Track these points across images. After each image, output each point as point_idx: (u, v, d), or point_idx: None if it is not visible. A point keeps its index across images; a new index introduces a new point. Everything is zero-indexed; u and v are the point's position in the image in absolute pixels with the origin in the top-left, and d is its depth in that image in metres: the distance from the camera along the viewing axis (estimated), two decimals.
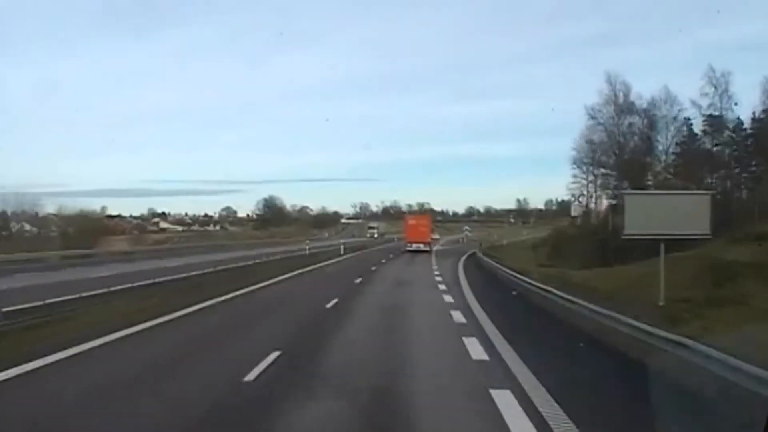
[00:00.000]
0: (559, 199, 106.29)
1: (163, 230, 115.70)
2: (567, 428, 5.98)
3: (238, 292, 18.74)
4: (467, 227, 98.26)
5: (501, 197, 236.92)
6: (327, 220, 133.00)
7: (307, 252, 45.16)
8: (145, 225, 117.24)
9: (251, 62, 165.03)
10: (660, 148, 52.87)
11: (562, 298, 14.30)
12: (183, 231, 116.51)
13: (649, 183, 52.82)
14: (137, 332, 11.57)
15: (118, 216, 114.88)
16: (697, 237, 17.86)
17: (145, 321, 12.54)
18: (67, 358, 9.22)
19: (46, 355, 9.07)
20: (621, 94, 52.48)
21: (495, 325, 12.72)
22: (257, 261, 33.76)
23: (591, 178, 61.36)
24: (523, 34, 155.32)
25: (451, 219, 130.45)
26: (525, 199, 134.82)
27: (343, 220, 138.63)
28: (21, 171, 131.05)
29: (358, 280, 24.45)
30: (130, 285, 18.54)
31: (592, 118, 54.41)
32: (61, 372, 8.49)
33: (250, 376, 8.00)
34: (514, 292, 20.35)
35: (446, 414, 6.69)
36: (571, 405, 6.63)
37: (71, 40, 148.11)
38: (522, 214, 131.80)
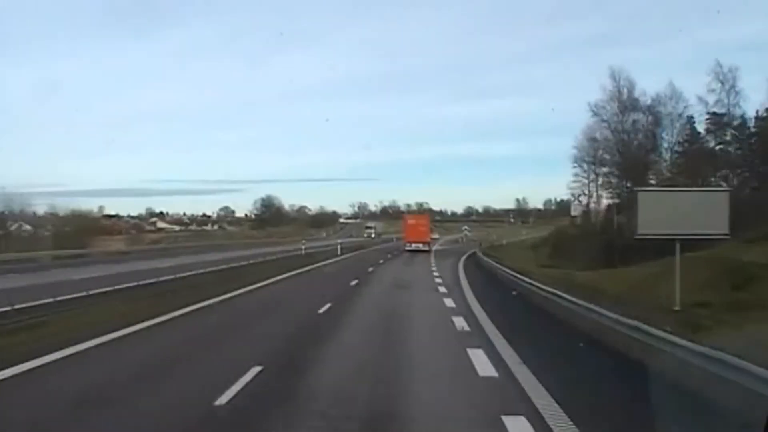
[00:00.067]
0: (558, 199, 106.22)
1: (161, 230, 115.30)
2: None
3: (224, 296, 17.53)
4: (466, 227, 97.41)
5: (500, 197, 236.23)
6: (325, 220, 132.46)
7: (303, 252, 44.17)
8: (143, 225, 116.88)
9: (251, 62, 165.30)
10: (665, 145, 51.82)
11: (574, 303, 13.17)
12: (180, 231, 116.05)
13: (652, 182, 51.89)
14: (103, 343, 10.37)
15: (116, 216, 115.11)
16: (715, 237, 16.77)
17: (116, 330, 11.37)
18: (20, 374, 8.11)
19: None
20: (625, 90, 51.44)
21: (501, 333, 11.60)
22: (251, 262, 32.65)
23: (592, 177, 60.41)
24: (523, 34, 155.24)
25: (449, 219, 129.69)
26: (524, 199, 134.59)
27: (341, 220, 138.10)
28: (21, 171, 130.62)
29: (354, 282, 23.34)
30: (111, 288, 17.48)
31: (596, 114, 53.36)
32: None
33: (223, 399, 6.89)
34: (514, 292, 19.89)
35: None
36: None
37: (71, 40, 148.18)
38: (521, 213, 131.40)
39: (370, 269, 31.59)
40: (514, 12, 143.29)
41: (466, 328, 12.46)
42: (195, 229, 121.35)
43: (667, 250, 31.26)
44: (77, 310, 13.75)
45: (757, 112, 48.27)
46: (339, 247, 49.86)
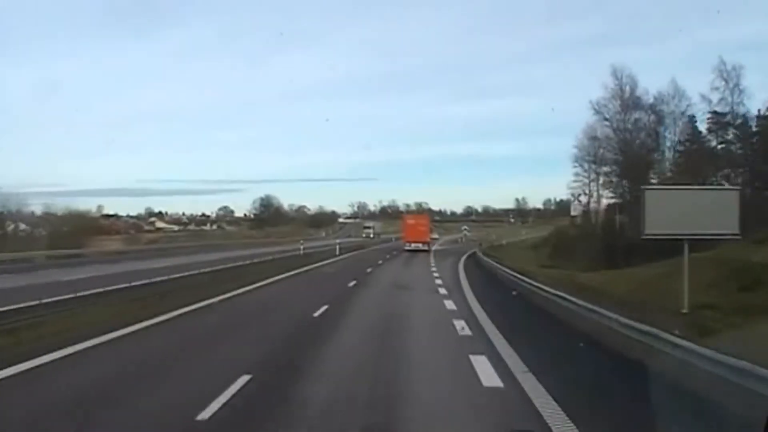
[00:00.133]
0: (558, 199, 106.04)
1: (159, 230, 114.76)
2: None
3: (215, 299, 16.88)
4: (466, 227, 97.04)
5: (499, 197, 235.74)
6: (324, 220, 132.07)
7: (301, 252, 43.62)
8: (142, 225, 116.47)
9: (251, 62, 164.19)
10: (668, 144, 51.27)
11: (579, 306, 12.63)
12: (179, 231, 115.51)
13: (653, 181, 51.37)
14: (77, 353, 9.60)
15: (115, 215, 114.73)
16: (725, 237, 16.24)
17: (96, 336, 10.65)
18: None
19: None
20: (627, 89, 50.84)
21: (505, 337, 11.05)
22: (247, 262, 32.03)
23: (593, 176, 59.90)
24: (523, 34, 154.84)
25: (449, 219, 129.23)
26: (524, 199, 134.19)
27: (340, 220, 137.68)
28: (20, 171, 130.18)
29: (353, 283, 22.79)
30: (100, 289, 16.85)
31: (597, 113, 52.77)
32: None
33: (206, 413, 6.33)
34: (514, 292, 19.64)
35: None
36: None
37: (71, 40, 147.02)
38: (520, 213, 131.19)
39: (369, 270, 31.04)
40: (514, 12, 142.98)
41: (468, 332, 11.90)
42: (193, 229, 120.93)
43: (670, 251, 30.83)
44: (59, 313, 13.09)
45: (759, 111, 47.82)
46: (338, 247, 49.36)
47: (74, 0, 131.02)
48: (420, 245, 53.31)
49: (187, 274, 23.53)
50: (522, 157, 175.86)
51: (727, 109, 46.94)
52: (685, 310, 15.27)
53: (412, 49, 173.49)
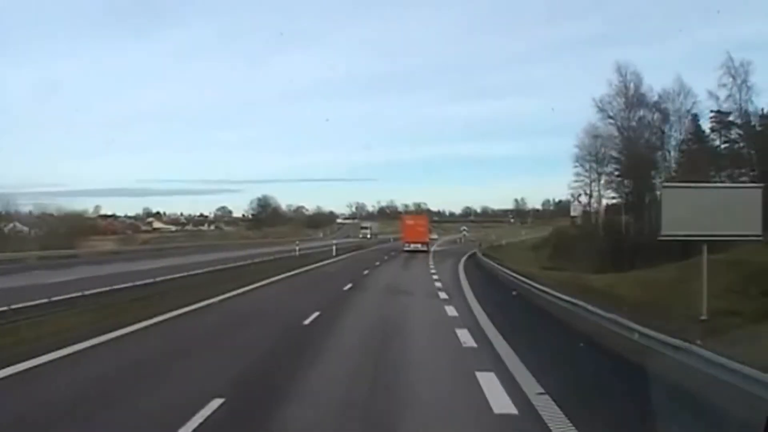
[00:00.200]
0: (557, 200, 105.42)
1: (156, 230, 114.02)
2: None
3: (199, 304, 15.64)
4: (465, 227, 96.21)
5: (498, 197, 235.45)
6: (322, 220, 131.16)
7: (297, 253, 42.47)
8: (139, 225, 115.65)
9: (251, 62, 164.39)
10: (673, 143, 50.24)
11: (594, 314, 11.53)
12: (176, 231, 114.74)
13: (654, 181, 50.41)
14: (32, 368, 8.37)
15: (113, 216, 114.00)
16: (747, 238, 15.12)
17: (54, 350, 9.39)
18: None
19: None
20: (632, 86, 49.82)
21: (513, 349, 9.93)
22: (239, 263, 30.84)
23: (594, 176, 58.95)
24: (523, 34, 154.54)
25: (447, 219, 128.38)
26: (522, 199, 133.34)
27: (338, 221, 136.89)
28: (20, 171, 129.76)
29: (348, 287, 21.65)
30: (78, 294, 15.64)
31: (601, 110, 51.73)
32: None
33: None
34: (514, 292, 19.25)
35: None
36: None
37: (71, 40, 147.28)
38: (519, 214, 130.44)
39: (366, 272, 29.92)
40: (514, 12, 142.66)
41: (473, 343, 10.73)
42: (191, 230, 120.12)
43: (678, 253, 29.81)
44: (26, 321, 11.94)
45: (762, 110, 46.93)
46: (334, 248, 48.30)
47: (74, 0, 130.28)
48: (419, 246, 53.33)
49: (174, 276, 22.39)
50: (521, 158, 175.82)
51: (735, 107, 45.80)
52: (704, 317, 14.19)
53: (412, 49, 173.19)
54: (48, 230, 55.09)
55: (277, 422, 6.23)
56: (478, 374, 8.17)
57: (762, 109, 46.88)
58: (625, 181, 54.27)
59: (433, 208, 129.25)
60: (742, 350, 9.16)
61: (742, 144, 50.57)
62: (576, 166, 58.72)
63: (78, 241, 53.30)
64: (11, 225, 59.05)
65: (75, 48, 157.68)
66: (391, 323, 13.46)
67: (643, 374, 7.86)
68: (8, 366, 8.29)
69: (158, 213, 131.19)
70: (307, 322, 13.06)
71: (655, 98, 49.83)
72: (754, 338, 11.55)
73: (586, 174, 58.77)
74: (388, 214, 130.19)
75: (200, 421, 6.06)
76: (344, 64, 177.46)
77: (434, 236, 73.45)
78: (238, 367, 8.75)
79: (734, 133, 51.54)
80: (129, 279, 19.46)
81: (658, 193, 47.79)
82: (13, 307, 12.60)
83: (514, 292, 19.22)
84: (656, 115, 49.27)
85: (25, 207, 62.46)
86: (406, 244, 54.34)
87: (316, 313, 14.04)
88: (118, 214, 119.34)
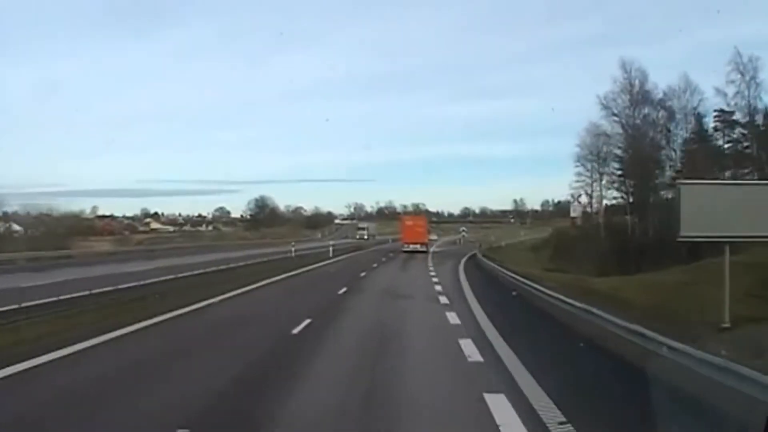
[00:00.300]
0: (556, 200, 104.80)
1: (153, 230, 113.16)
2: None
3: (182, 310, 14.58)
4: (464, 228, 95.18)
5: (497, 198, 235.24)
6: (321, 221, 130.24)
7: (293, 254, 41.45)
8: (137, 225, 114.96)
9: (251, 62, 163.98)
10: (678, 141, 49.24)
11: (604, 319, 10.48)
12: (174, 231, 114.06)
13: (659, 181, 49.49)
14: None
15: (110, 216, 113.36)
16: None
17: (11, 364, 8.35)
18: None
19: None
20: (637, 82, 48.77)
21: (523, 363, 8.86)
22: (231, 265, 29.77)
23: (596, 176, 57.97)
24: (523, 34, 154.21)
25: (446, 220, 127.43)
26: (521, 200, 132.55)
27: (336, 221, 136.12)
28: (20, 171, 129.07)
29: (343, 290, 20.59)
30: (53, 299, 14.66)
31: (605, 108, 50.67)
32: None
33: None
34: (514, 292, 19.02)
35: None
36: None
37: (71, 40, 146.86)
38: (518, 215, 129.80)
39: (363, 274, 28.90)
40: (513, 12, 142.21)
41: (479, 356, 9.63)
42: (188, 230, 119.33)
43: (685, 254, 28.75)
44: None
45: (766, 108, 46.08)
46: (331, 249, 47.31)
47: (74, 0, 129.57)
48: (418, 246, 53.72)
49: (163, 278, 21.42)
50: (521, 158, 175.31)
51: (743, 103, 44.81)
52: (726, 324, 13.15)
53: (412, 49, 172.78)
54: (44, 230, 54.43)
55: None
56: (487, 397, 7.07)
57: (765, 108, 46.04)
58: (627, 181, 53.36)
59: (432, 209, 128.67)
60: None
61: (746, 143, 49.75)
62: (577, 166, 57.81)
63: (71, 241, 52.62)
64: (7, 225, 58.41)
65: (75, 48, 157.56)
66: (389, 332, 12.37)
67: (696, 404, 6.68)
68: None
69: (156, 213, 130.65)
70: (296, 331, 11.96)
71: (660, 95, 48.88)
72: None
73: (588, 174, 57.85)
74: (386, 215, 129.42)
75: None
76: (344, 64, 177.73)
77: (433, 237, 72.99)
78: (215, 384, 7.63)
79: (738, 132, 50.74)
80: (116, 281, 18.44)
81: (662, 192, 46.93)
82: None
83: (514, 292, 18.80)
84: (661, 113, 48.32)
85: (23, 207, 61.88)
86: (405, 245, 54.65)
87: (307, 321, 12.98)
88: (117, 214, 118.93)
